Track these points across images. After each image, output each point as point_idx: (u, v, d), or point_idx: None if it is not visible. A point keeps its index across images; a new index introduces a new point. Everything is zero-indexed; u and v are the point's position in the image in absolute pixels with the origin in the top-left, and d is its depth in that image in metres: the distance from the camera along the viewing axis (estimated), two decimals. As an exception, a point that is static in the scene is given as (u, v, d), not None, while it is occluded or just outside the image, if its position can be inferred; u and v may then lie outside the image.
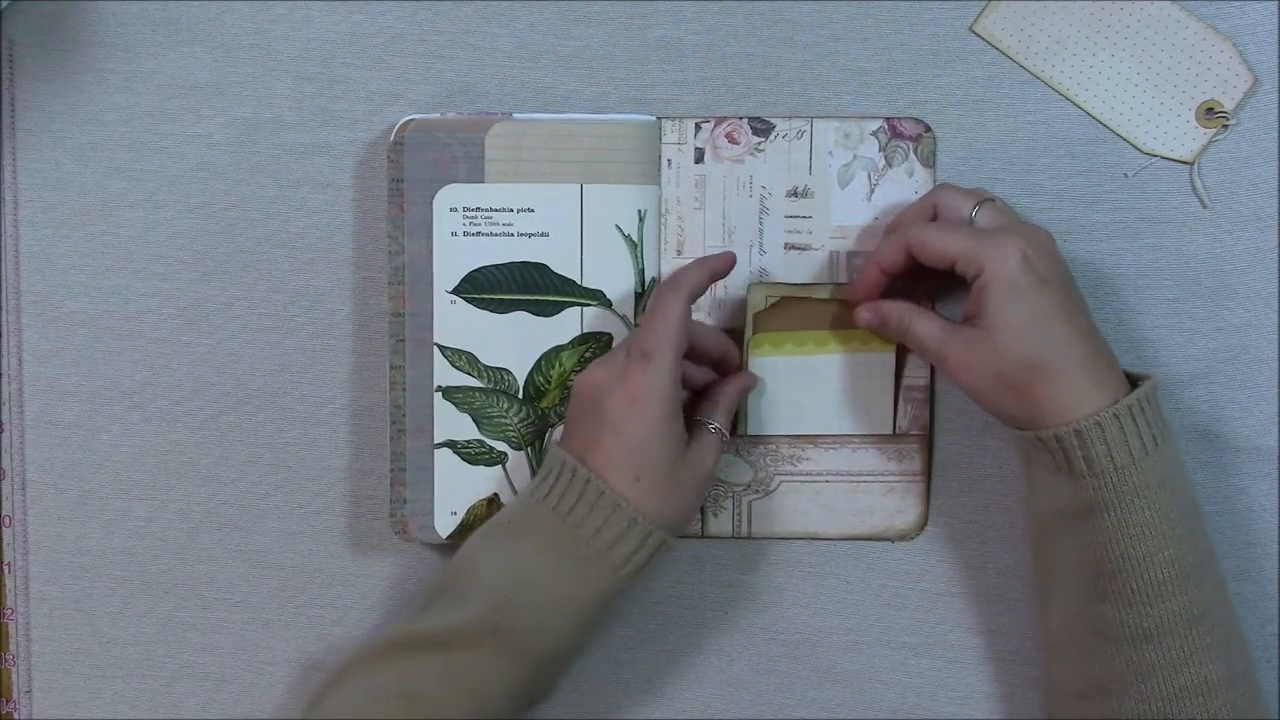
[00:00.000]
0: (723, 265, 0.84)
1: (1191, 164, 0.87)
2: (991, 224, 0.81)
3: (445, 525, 0.88)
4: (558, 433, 0.87)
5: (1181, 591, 0.77)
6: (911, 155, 0.87)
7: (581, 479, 0.79)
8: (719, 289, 0.88)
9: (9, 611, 0.90)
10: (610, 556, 0.79)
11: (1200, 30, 0.86)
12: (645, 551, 0.79)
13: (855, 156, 0.88)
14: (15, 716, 0.90)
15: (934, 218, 0.83)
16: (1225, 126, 0.87)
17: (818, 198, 0.88)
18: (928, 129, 0.87)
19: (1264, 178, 0.87)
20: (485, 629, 0.78)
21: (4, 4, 0.86)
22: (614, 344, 0.86)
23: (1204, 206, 0.88)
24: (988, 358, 0.78)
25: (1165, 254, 0.88)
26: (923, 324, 0.82)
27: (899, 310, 0.83)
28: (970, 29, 0.88)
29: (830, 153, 0.88)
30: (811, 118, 0.87)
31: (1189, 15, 0.86)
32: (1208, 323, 0.88)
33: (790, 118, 0.87)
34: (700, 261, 0.84)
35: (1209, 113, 0.87)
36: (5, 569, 0.90)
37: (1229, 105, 0.87)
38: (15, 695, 0.90)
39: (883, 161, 0.88)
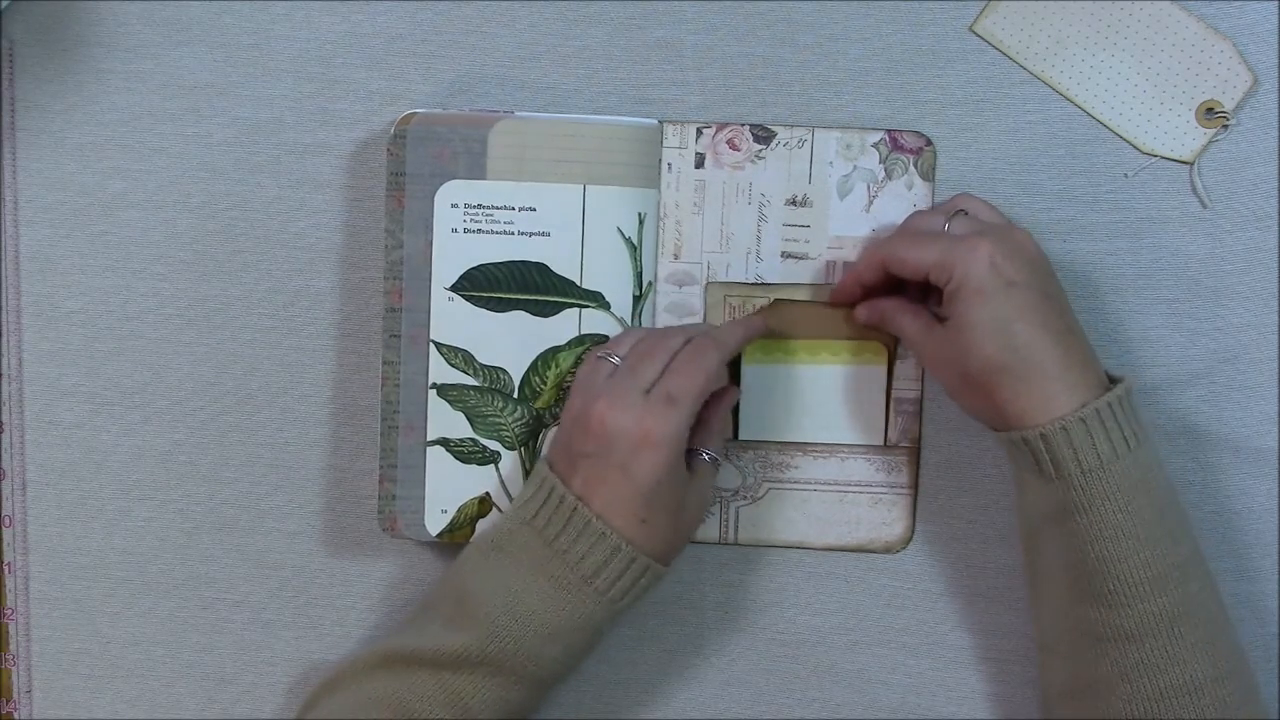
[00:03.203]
0: (758, 328, 0.86)
1: (1191, 164, 0.87)
2: (965, 230, 0.81)
3: (435, 523, 0.88)
4: (552, 433, 0.87)
5: (1161, 592, 0.76)
6: (911, 168, 0.87)
7: (569, 506, 0.80)
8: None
9: (9, 611, 0.90)
10: (596, 582, 0.79)
11: (1200, 30, 0.86)
12: (630, 577, 0.80)
13: (855, 168, 0.88)
14: (15, 716, 0.90)
15: None
16: (1225, 126, 0.87)
17: (816, 207, 0.88)
18: (929, 143, 0.87)
19: (1264, 178, 0.87)
20: (479, 657, 0.79)
21: (4, 4, 0.86)
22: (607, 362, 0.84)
23: (1204, 206, 0.87)
24: (955, 358, 0.79)
25: (1165, 254, 0.88)
26: (907, 320, 0.84)
27: (891, 307, 0.85)
28: (970, 29, 0.87)
29: (831, 163, 0.88)
30: (813, 127, 0.87)
31: (1189, 15, 0.86)
32: (1208, 323, 0.88)
33: (792, 126, 0.87)
34: (739, 322, 0.86)
35: (1209, 113, 0.87)
36: (5, 569, 0.90)
37: (1229, 105, 0.87)
38: (15, 695, 0.90)
39: (883, 174, 0.87)
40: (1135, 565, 0.76)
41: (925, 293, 0.85)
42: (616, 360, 0.82)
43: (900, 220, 0.86)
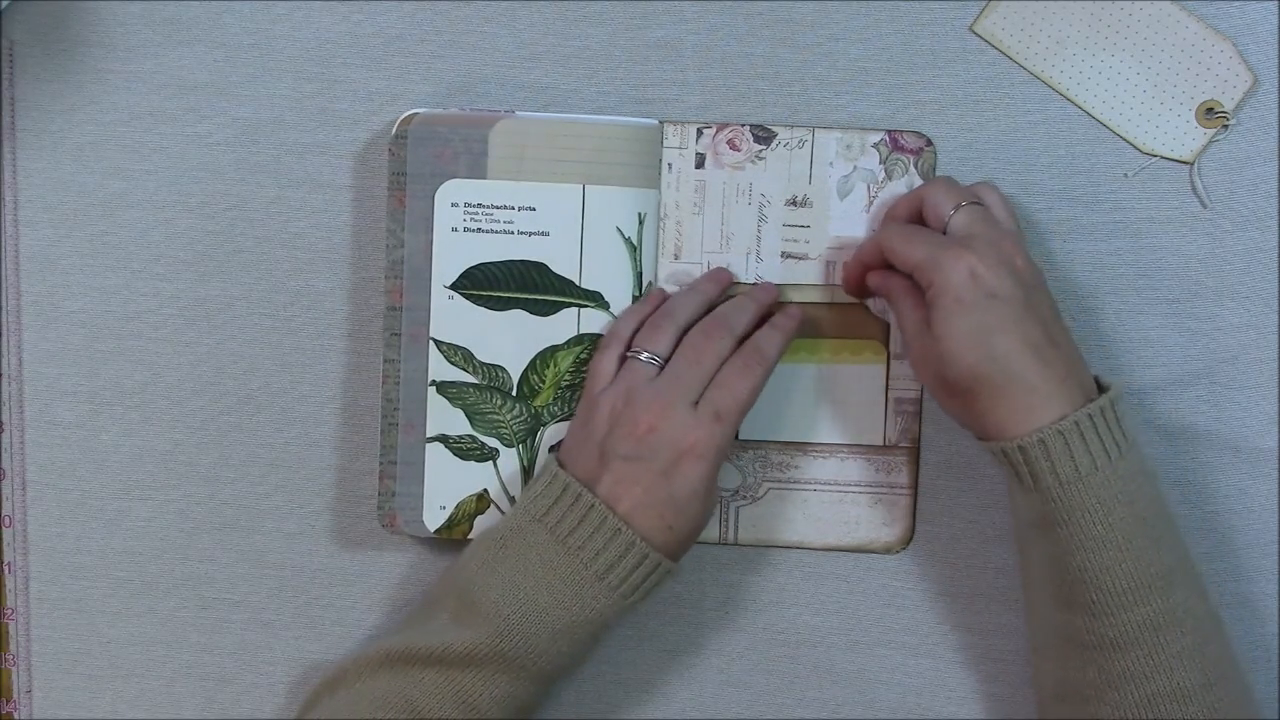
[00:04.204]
0: (793, 330, 0.86)
1: (1191, 164, 0.87)
2: (963, 231, 0.80)
3: (434, 519, 0.88)
4: (550, 431, 0.87)
5: (1144, 602, 0.76)
6: (912, 169, 0.87)
7: (585, 503, 0.80)
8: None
9: (9, 611, 0.90)
10: (608, 578, 0.80)
11: (1200, 30, 0.86)
12: (641, 573, 0.80)
13: (855, 168, 0.88)
14: (15, 716, 0.90)
15: (921, 211, 0.83)
16: (1225, 126, 0.87)
17: (816, 208, 0.88)
18: (929, 143, 0.87)
19: (1264, 178, 0.87)
20: (487, 654, 0.79)
21: (4, 4, 0.86)
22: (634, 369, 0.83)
23: (1204, 206, 0.87)
24: (936, 365, 0.78)
25: (1165, 254, 0.88)
26: (906, 309, 0.81)
27: (900, 288, 0.82)
28: (970, 29, 0.88)
29: (831, 163, 0.87)
30: (813, 128, 0.87)
31: (1189, 15, 0.86)
32: (1208, 323, 0.88)
33: (792, 126, 0.87)
34: (777, 327, 0.85)
35: (1209, 113, 0.87)
36: (5, 569, 0.90)
37: (1229, 105, 0.87)
38: (15, 695, 0.90)
39: (883, 174, 0.87)
40: (1117, 575, 0.76)
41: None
42: (648, 359, 0.82)
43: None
